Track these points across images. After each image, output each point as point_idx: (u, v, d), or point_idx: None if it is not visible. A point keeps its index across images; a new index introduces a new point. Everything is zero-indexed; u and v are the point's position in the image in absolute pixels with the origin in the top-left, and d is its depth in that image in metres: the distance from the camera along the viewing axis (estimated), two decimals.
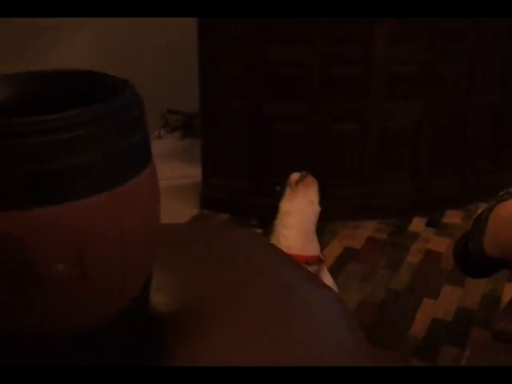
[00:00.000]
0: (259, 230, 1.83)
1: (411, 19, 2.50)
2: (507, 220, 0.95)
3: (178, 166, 3.32)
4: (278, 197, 1.73)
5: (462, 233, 1.09)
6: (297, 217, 1.71)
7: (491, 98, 2.84)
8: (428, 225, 2.75)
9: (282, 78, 2.59)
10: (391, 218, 2.78)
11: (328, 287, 0.95)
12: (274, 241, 1.65)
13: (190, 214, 2.82)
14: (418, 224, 2.76)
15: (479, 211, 3.32)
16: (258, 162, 2.75)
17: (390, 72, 2.60)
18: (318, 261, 1.72)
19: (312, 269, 1.68)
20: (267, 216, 1.76)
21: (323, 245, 1.94)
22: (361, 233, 2.67)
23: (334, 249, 1.99)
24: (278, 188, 1.76)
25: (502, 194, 1.05)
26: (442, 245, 2.56)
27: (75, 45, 3.18)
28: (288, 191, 1.73)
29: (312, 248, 1.71)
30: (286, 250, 1.26)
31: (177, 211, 2.78)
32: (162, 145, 3.61)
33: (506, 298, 2.20)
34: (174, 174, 3.18)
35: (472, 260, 1.02)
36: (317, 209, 1.74)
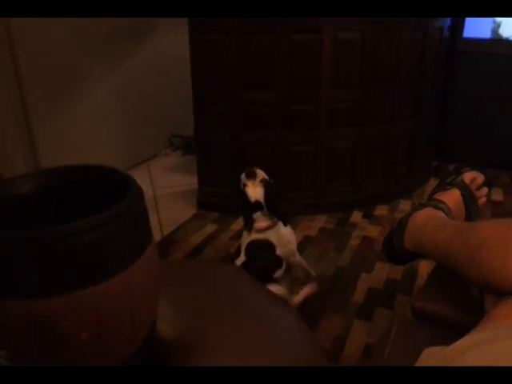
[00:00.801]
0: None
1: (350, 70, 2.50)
2: (419, 225, 0.97)
3: (180, 176, 3.28)
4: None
5: (389, 225, 1.09)
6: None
7: (407, 124, 2.85)
8: (364, 217, 2.76)
9: (254, 113, 2.56)
10: (337, 213, 2.79)
11: (291, 309, 0.94)
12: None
13: (189, 213, 2.79)
14: (356, 216, 2.77)
15: (400, 206, 3.30)
16: (239, 175, 2.71)
17: (333, 108, 2.59)
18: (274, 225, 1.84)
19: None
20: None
21: None
22: (315, 224, 2.67)
23: (296, 237, 1.99)
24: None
25: (417, 204, 1.06)
26: (374, 232, 2.58)
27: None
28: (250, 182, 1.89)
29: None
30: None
31: (179, 211, 2.79)
32: (167, 161, 3.59)
33: (421, 270, 2.22)
34: (177, 183, 3.17)
35: (395, 252, 1.03)
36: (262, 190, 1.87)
